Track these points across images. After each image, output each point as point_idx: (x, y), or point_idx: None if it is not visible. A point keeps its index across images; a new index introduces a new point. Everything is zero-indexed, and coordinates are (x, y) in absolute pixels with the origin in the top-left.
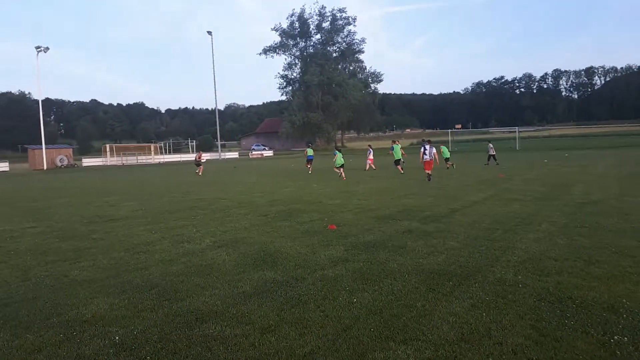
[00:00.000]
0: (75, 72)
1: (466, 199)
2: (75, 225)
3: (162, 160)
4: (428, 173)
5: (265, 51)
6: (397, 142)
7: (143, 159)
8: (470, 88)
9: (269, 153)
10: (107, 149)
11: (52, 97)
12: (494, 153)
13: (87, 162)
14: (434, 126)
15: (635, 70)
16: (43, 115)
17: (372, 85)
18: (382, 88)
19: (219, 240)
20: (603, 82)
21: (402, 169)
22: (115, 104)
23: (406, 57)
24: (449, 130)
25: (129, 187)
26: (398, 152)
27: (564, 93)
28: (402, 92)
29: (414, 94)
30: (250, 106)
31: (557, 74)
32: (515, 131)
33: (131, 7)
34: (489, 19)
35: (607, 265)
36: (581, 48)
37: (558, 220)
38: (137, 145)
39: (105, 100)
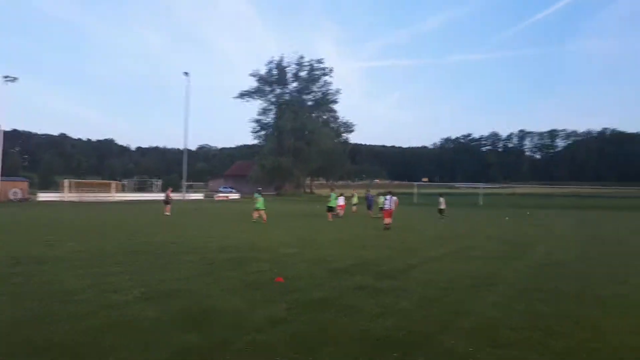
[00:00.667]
0: (46, 105)
1: (425, 254)
2: None
3: (123, 198)
4: (386, 222)
5: (242, 95)
6: (333, 191)
7: (102, 197)
8: (439, 143)
9: (235, 196)
10: (65, 184)
11: (20, 128)
12: (444, 207)
13: (43, 196)
14: (402, 178)
15: (594, 135)
16: (6, 146)
17: (343, 134)
18: (354, 138)
19: (150, 292)
20: (565, 144)
21: (331, 216)
22: (85, 139)
23: (379, 110)
24: (415, 182)
25: (77, 226)
26: (333, 201)
27: (527, 153)
28: (374, 144)
29: (384, 146)
30: (223, 148)
31: (522, 135)
32: (480, 187)
33: (109, 42)
34: (460, 78)
35: (566, 338)
36: (545, 111)
37: (517, 282)
38: (96, 182)
39: (74, 134)
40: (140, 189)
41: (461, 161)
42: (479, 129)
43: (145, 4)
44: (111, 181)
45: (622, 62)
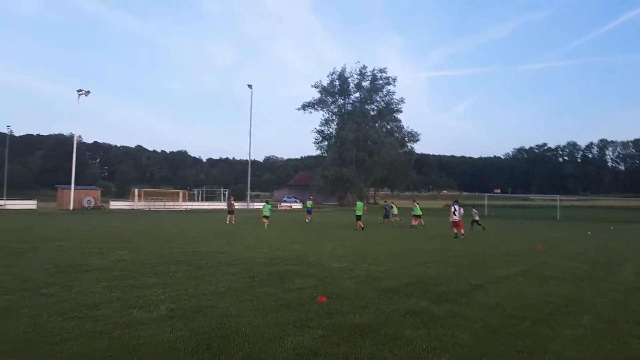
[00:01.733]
0: (125, 118)
1: (493, 273)
2: (36, 275)
3: (190, 207)
4: (456, 232)
5: (304, 107)
6: (359, 201)
7: (171, 205)
8: (511, 153)
9: (298, 205)
10: (136, 193)
11: (100, 140)
12: (478, 219)
13: (115, 205)
14: (472, 189)
15: None
16: (89, 157)
17: (408, 144)
18: (421, 148)
19: (177, 308)
20: None
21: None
22: (159, 151)
23: (447, 120)
24: (486, 194)
25: (137, 233)
26: (360, 210)
27: (610, 164)
28: (441, 154)
29: (453, 156)
30: (289, 159)
31: (603, 144)
32: (557, 199)
33: (182, 58)
34: (532, 86)
35: None
36: (628, 119)
37: (604, 310)
38: (165, 191)
39: (150, 146)
40: (209, 198)
41: (536, 172)
42: (555, 139)
43: (216, 21)
44: (179, 190)
45: None
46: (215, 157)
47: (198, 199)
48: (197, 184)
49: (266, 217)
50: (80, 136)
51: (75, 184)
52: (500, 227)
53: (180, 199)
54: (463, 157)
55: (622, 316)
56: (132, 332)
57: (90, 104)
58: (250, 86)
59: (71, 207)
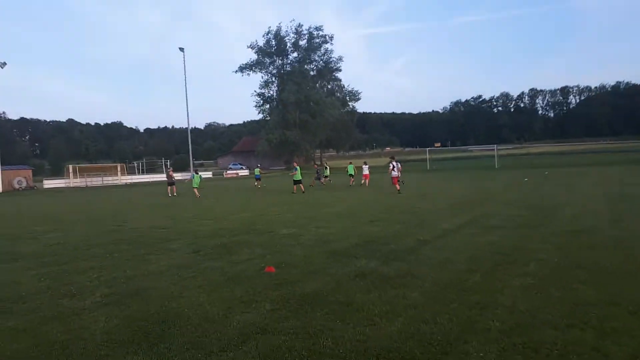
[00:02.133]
0: (52, 91)
1: (439, 226)
2: None
3: (130, 181)
4: (399, 188)
5: (242, 69)
6: (296, 165)
7: (109, 180)
8: (449, 107)
9: (244, 172)
10: (70, 169)
11: (28, 116)
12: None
13: (49, 184)
14: (414, 144)
15: (608, 89)
16: (17, 135)
17: (350, 103)
18: (362, 107)
19: (113, 293)
20: (578, 101)
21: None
22: (92, 124)
23: (386, 77)
24: (427, 148)
25: (70, 213)
26: (298, 175)
27: (540, 112)
28: (382, 112)
29: (394, 113)
30: (231, 125)
31: (534, 93)
32: (494, 149)
33: (110, 24)
34: (465, 39)
35: (628, 340)
36: (556, 68)
37: (548, 257)
38: (102, 166)
39: (82, 119)
40: (149, 170)
41: (473, 124)
42: (489, 90)
43: None
44: (117, 164)
45: (633, 13)
46: (153, 126)
47: (138, 172)
48: (136, 157)
49: (195, 188)
50: (4, 112)
51: (5, 164)
52: (443, 179)
53: (119, 173)
54: (403, 113)
55: (564, 262)
56: (61, 325)
57: (14, 78)
58: (182, 49)
59: (0, 189)
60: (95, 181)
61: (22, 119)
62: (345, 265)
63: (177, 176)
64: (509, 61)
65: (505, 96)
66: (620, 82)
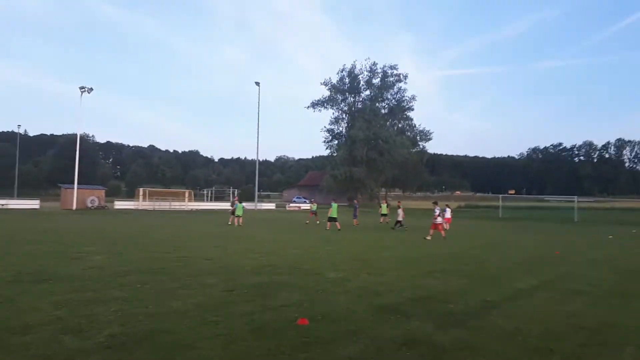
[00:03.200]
0: (138, 118)
1: (509, 285)
2: None
3: (197, 207)
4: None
5: (314, 105)
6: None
7: (176, 205)
8: (525, 153)
9: (306, 206)
10: (140, 192)
11: (113, 140)
12: (401, 219)
13: (119, 205)
14: (486, 190)
15: None
16: (101, 157)
17: (420, 143)
18: (433, 148)
19: (123, 333)
20: None
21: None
22: (171, 150)
23: (460, 119)
24: (500, 195)
25: (126, 236)
26: (334, 211)
27: (627, 164)
28: (454, 154)
29: (466, 156)
30: (300, 159)
31: (621, 144)
32: (574, 201)
33: (194, 58)
34: (545, 84)
35: None
36: None
37: None
38: (170, 191)
39: (162, 146)
40: (218, 198)
41: (551, 172)
42: (571, 139)
43: (226, 20)
44: (185, 190)
45: None
46: (227, 157)
47: (207, 199)
48: (208, 184)
49: (239, 216)
50: (93, 135)
51: (86, 183)
52: (515, 230)
53: (186, 199)
54: (476, 157)
55: None
56: None
57: (103, 104)
58: (257, 83)
59: (74, 207)
60: (163, 205)
61: (108, 142)
62: (392, 327)
63: (247, 206)
64: (593, 109)
65: (589, 145)
66: None
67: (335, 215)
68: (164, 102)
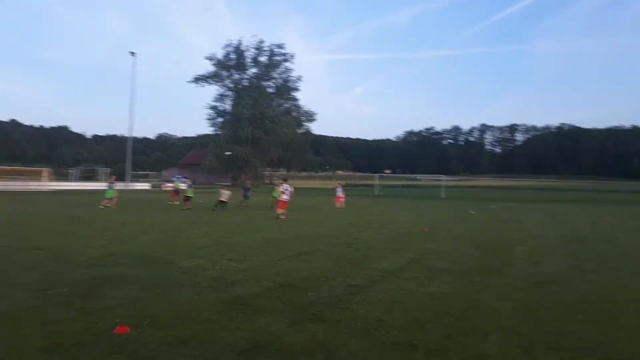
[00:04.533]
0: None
1: (377, 266)
2: None
3: (59, 187)
4: (280, 213)
5: (197, 80)
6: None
7: (33, 186)
8: (402, 136)
9: (184, 186)
10: None
11: None
12: (225, 200)
13: None
14: (366, 170)
15: (553, 130)
16: None
17: (305, 123)
18: (319, 130)
19: None
20: (524, 139)
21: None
22: (36, 126)
23: (345, 102)
24: (376, 174)
25: None
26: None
27: (488, 147)
28: (339, 135)
29: (349, 138)
30: (184, 137)
31: (483, 129)
32: (441, 179)
33: (68, 25)
34: (423, 73)
35: None
36: (506, 106)
37: (513, 324)
38: (26, 169)
39: (25, 121)
40: (87, 177)
41: (423, 154)
42: (442, 123)
43: None
44: (43, 168)
45: (579, 62)
46: (102, 134)
47: (73, 179)
48: (79, 163)
49: (110, 198)
50: None
51: None
52: (390, 206)
53: (47, 178)
54: (358, 139)
55: (536, 334)
56: None
57: None
58: (133, 53)
59: None
60: (14, 185)
61: None
62: (237, 327)
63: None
64: (462, 96)
65: (456, 129)
66: (564, 124)
67: (190, 195)
68: (29, 72)
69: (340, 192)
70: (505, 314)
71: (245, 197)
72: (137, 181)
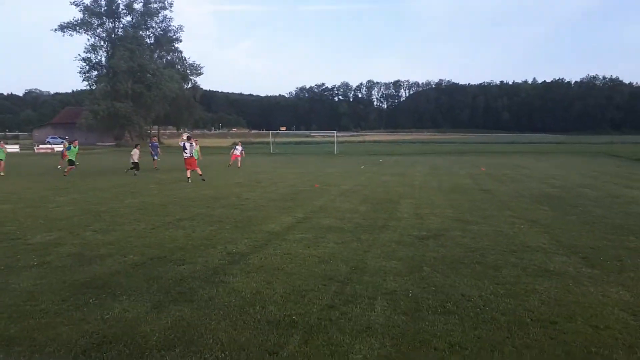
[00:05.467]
0: None
1: (263, 227)
2: None
3: None
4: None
5: (62, 28)
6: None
7: None
8: (294, 92)
9: (60, 148)
10: None
11: None
12: (137, 160)
13: None
14: (260, 127)
15: (433, 86)
16: None
17: (191, 77)
18: (209, 85)
19: None
20: (407, 94)
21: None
22: None
23: (234, 57)
24: (271, 131)
25: None
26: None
27: (375, 103)
28: (230, 91)
29: (241, 94)
30: (57, 93)
31: (370, 85)
32: (334, 135)
33: None
34: (314, 27)
35: None
36: (391, 62)
37: (399, 287)
38: None
39: None
40: None
41: (316, 110)
42: (332, 79)
43: None
44: None
45: (458, 20)
46: None
47: None
48: None
49: None
50: None
51: None
52: (284, 164)
53: None
54: (251, 95)
55: (421, 295)
56: None
57: None
58: None
59: None
60: None
61: None
62: (84, 318)
63: None
64: (350, 52)
65: (346, 86)
66: (442, 80)
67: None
68: None
69: (238, 151)
70: (391, 274)
71: (155, 156)
72: (6, 143)
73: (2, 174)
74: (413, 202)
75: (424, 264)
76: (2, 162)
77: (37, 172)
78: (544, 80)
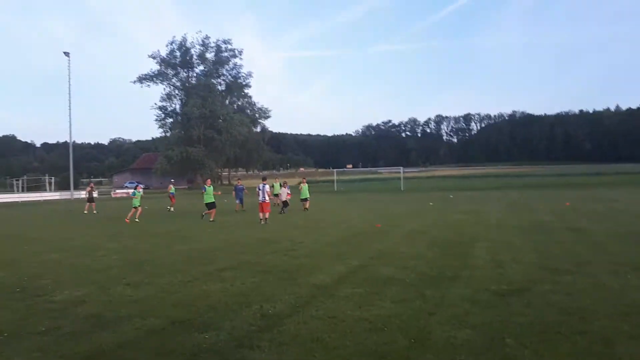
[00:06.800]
0: None
1: (310, 280)
2: None
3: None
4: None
5: (141, 79)
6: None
7: None
8: (360, 130)
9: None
10: None
11: None
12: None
13: None
14: (327, 166)
15: (506, 118)
16: None
17: (260, 121)
18: (278, 127)
19: None
20: (479, 127)
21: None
22: None
23: (303, 100)
24: (335, 169)
25: None
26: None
27: (445, 137)
28: (298, 132)
29: (309, 135)
30: (138, 141)
31: (439, 119)
32: (400, 171)
33: (14, 33)
34: (378, 66)
35: None
36: (459, 96)
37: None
38: None
39: None
40: (33, 188)
41: (382, 147)
42: (399, 116)
43: None
44: None
45: (527, 52)
46: (52, 141)
47: (17, 190)
48: (26, 173)
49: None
50: None
51: None
52: (346, 202)
53: None
54: (319, 135)
55: None
56: None
57: None
58: (67, 54)
59: None
60: None
61: None
62: None
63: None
64: (416, 89)
65: (413, 121)
66: (516, 112)
67: (211, 200)
68: None
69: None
70: (462, 350)
71: (240, 199)
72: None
73: (137, 220)
74: (489, 246)
75: (507, 334)
76: (140, 208)
77: (105, 216)
78: (629, 107)
